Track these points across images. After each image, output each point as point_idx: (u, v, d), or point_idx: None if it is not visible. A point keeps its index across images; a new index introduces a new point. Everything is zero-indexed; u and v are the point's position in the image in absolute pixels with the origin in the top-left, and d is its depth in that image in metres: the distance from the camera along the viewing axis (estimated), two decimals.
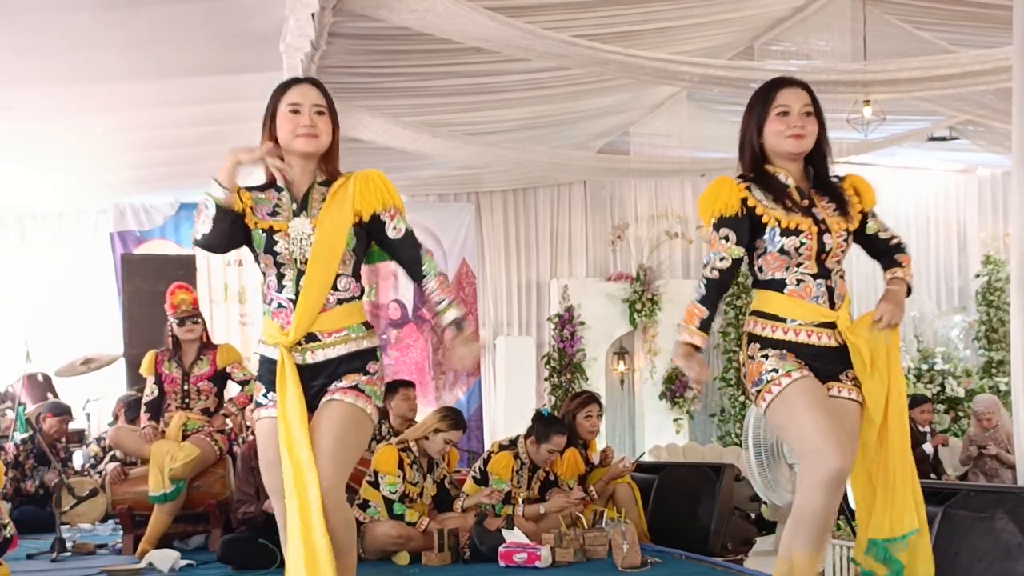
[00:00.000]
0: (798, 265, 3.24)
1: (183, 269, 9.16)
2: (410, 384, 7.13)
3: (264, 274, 3.13)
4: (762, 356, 3.25)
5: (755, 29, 7.88)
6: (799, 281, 3.25)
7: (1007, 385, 10.31)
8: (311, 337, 3.06)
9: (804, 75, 7.26)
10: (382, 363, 3.19)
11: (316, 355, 3.07)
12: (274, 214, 3.10)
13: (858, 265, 3.45)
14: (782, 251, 3.23)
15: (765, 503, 6.62)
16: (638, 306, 11.10)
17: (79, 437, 8.38)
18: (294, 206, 3.10)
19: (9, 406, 8.08)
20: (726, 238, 3.25)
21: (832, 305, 3.26)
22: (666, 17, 7.07)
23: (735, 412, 11.01)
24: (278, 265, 3.08)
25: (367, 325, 3.15)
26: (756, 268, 3.34)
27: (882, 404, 3.25)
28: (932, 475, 8.20)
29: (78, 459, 8.10)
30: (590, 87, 8.11)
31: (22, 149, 7.84)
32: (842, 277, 3.33)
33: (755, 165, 3.32)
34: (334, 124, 3.15)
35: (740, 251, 3.25)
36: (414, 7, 5.44)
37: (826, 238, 3.24)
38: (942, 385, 11.17)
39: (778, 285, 3.28)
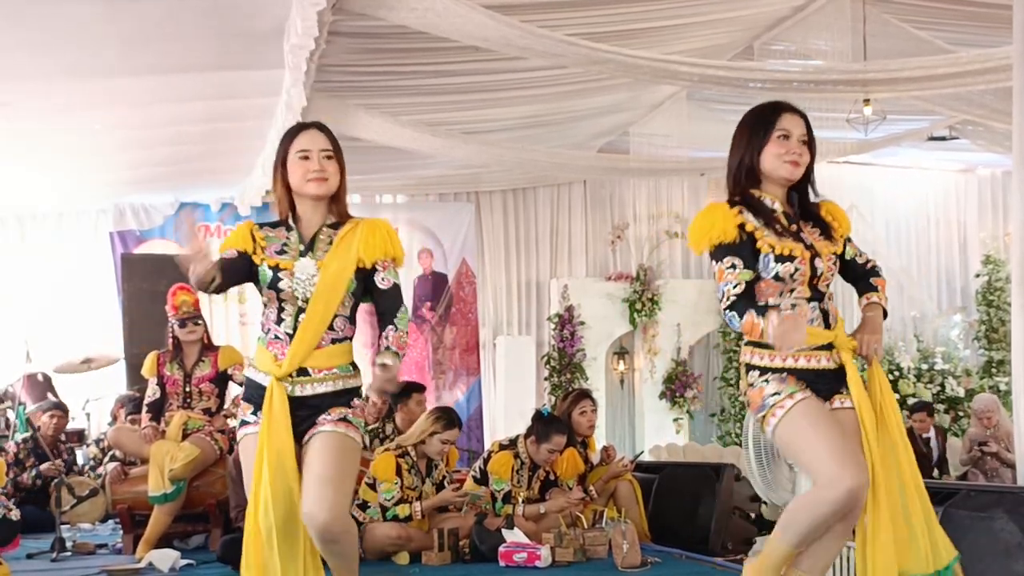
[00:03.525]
0: (791, 291, 3.23)
1: (184, 269, 9.15)
2: (422, 388, 7.11)
3: (265, 305, 3.30)
4: (763, 382, 3.23)
5: (755, 29, 7.88)
6: (793, 306, 3.22)
7: (1007, 385, 10.31)
8: (302, 371, 3.21)
9: (804, 75, 7.28)
10: (364, 399, 3.41)
11: (304, 389, 3.21)
12: (282, 252, 3.27)
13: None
14: (776, 277, 3.20)
15: (765, 503, 6.62)
16: (638, 306, 11.10)
17: (79, 437, 8.38)
18: (301, 247, 3.28)
19: (9, 406, 8.07)
20: (733, 266, 3.19)
21: (827, 326, 3.25)
22: (666, 16, 7.07)
23: (735, 412, 11.01)
24: (280, 300, 3.24)
25: (354, 365, 3.30)
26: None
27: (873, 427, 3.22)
28: (936, 472, 8.21)
29: (80, 458, 8.11)
30: (590, 86, 8.11)
31: (22, 148, 7.83)
32: (831, 299, 3.33)
33: (743, 187, 3.30)
34: (341, 167, 3.31)
35: (749, 274, 3.18)
36: (413, 6, 5.44)
37: (817, 262, 3.24)
38: (942, 385, 11.17)
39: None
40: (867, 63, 7.36)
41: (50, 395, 8.69)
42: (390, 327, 3.26)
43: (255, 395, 3.26)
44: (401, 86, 7.59)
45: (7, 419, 7.94)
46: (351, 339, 3.31)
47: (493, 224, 11.35)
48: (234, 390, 6.26)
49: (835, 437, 3.12)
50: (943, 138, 10.70)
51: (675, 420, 11.07)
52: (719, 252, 3.21)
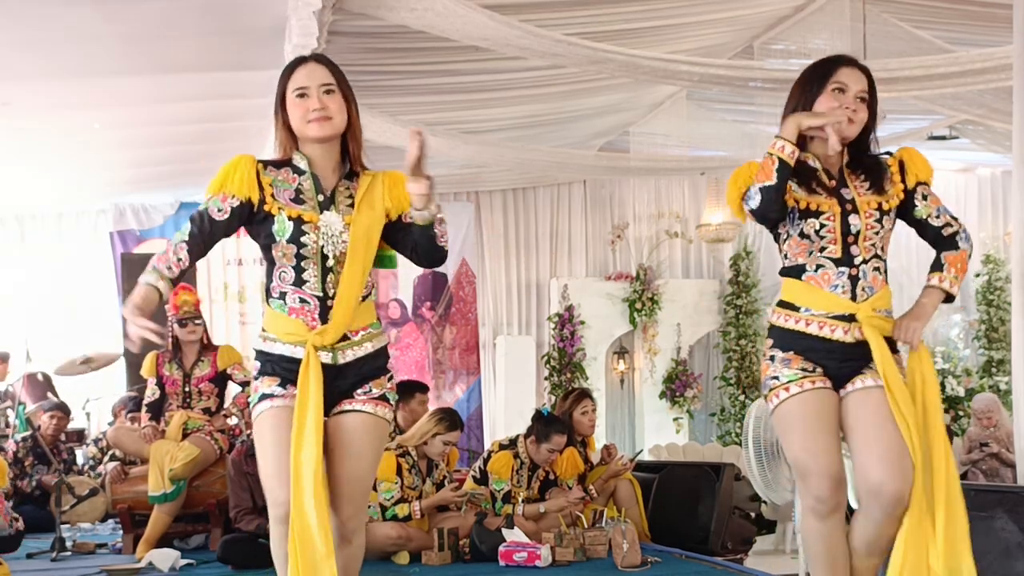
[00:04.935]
0: (821, 250, 3.00)
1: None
2: (425, 388, 7.11)
3: (273, 262, 2.91)
4: (770, 357, 3.08)
5: (755, 28, 7.87)
6: (818, 267, 3.01)
7: (1007, 384, 10.32)
8: (342, 336, 2.92)
9: None
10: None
11: (347, 355, 2.92)
12: (297, 200, 2.90)
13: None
14: (802, 235, 3.01)
15: (765, 502, 6.62)
16: (638, 305, 11.10)
17: (79, 437, 8.38)
18: (320, 197, 2.92)
19: (9, 406, 8.08)
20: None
21: (854, 297, 2.99)
22: (665, 16, 7.06)
23: (735, 411, 11.01)
24: (299, 258, 2.87)
25: (379, 319, 3.07)
26: (782, 255, 3.11)
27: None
28: None
29: (80, 458, 8.11)
30: (589, 86, 8.10)
31: (21, 148, 7.83)
32: (877, 269, 3.03)
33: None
34: (348, 102, 2.95)
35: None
36: (413, 6, 5.43)
37: (852, 219, 2.98)
38: (942, 384, 11.17)
39: (798, 271, 3.05)
40: (867, 63, 7.35)
41: (50, 395, 8.70)
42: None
43: (279, 368, 2.90)
44: (401, 86, 7.58)
45: (7, 419, 7.94)
46: (371, 295, 3.03)
47: (493, 224, 11.34)
48: (233, 390, 6.26)
49: (809, 440, 2.97)
50: (943, 138, 10.69)
51: (675, 420, 11.06)
52: (751, 191, 3.01)
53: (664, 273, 11.44)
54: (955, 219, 3.11)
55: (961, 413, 10.90)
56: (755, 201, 2.99)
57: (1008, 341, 8.99)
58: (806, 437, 3.00)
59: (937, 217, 3.07)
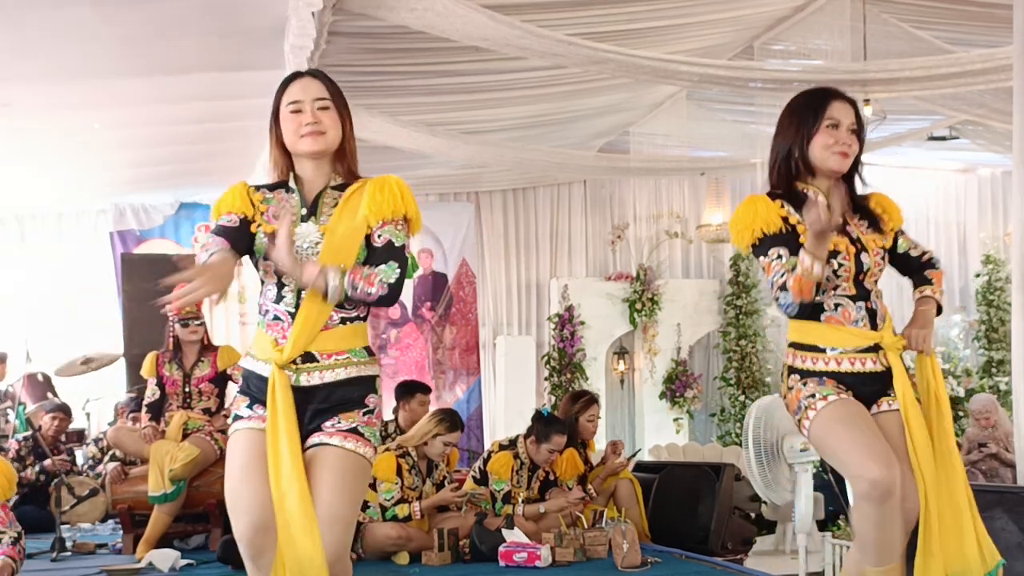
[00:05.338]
0: (835, 288, 3.08)
1: (183, 269, 9.15)
2: (427, 389, 7.10)
3: (263, 282, 2.82)
4: (801, 384, 3.11)
5: (755, 28, 7.87)
6: (837, 306, 3.09)
7: (1007, 385, 10.31)
8: (308, 357, 2.72)
9: (804, 75, 7.27)
10: (381, 397, 2.86)
11: (311, 377, 2.73)
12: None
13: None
14: None
15: (765, 503, 6.61)
16: (638, 306, 11.10)
17: (79, 437, 8.38)
18: (303, 210, 2.80)
19: (9, 406, 8.08)
20: (779, 256, 3.04)
21: (874, 327, 3.10)
22: (666, 16, 7.06)
23: (735, 412, 11.01)
24: (278, 274, 2.75)
25: (369, 351, 2.83)
26: None
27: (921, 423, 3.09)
28: None
29: (80, 458, 8.11)
30: (589, 86, 8.10)
31: (21, 148, 7.83)
32: (880, 297, 3.16)
33: (789, 180, 3.16)
34: (343, 117, 2.85)
35: (795, 261, 2.99)
36: (413, 6, 5.43)
37: (863, 257, 3.09)
38: None
39: (815, 311, 3.08)
40: (867, 63, 7.35)
41: (50, 395, 8.70)
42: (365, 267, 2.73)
43: (253, 387, 2.78)
44: (401, 86, 7.58)
45: (7, 419, 7.95)
46: (364, 319, 2.82)
47: (493, 224, 11.34)
48: (233, 390, 6.26)
49: (863, 434, 3.01)
50: (943, 138, 10.69)
51: (675, 420, 11.06)
52: (764, 244, 3.07)
53: (664, 273, 11.44)
54: (925, 249, 3.35)
55: (961, 413, 10.90)
56: (791, 309, 3.05)
57: (1008, 341, 8.99)
58: (854, 432, 3.02)
59: (915, 248, 3.29)
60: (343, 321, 2.76)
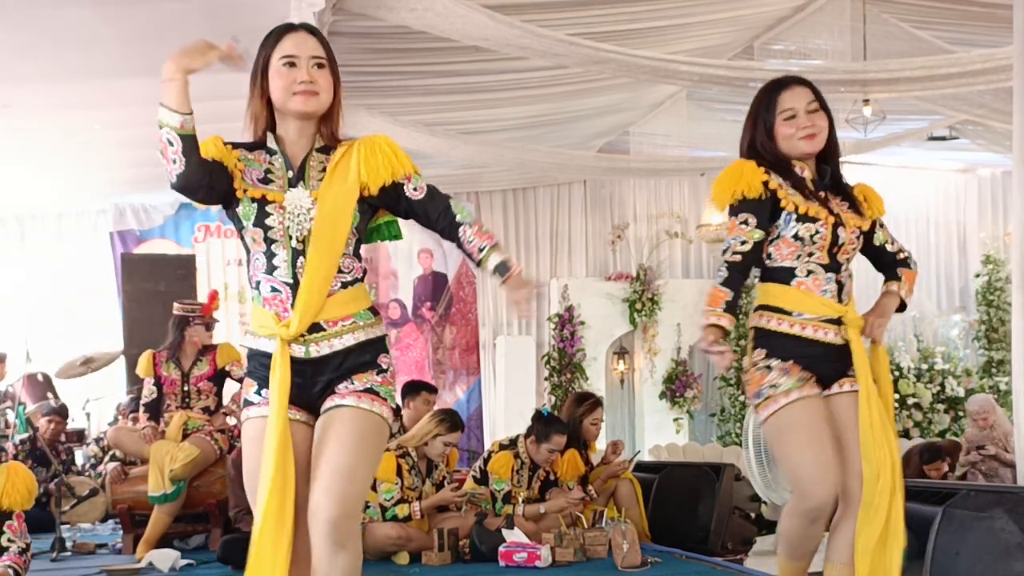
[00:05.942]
0: (810, 255, 3.16)
1: (183, 269, 9.17)
2: (433, 389, 7.10)
3: (249, 251, 2.69)
4: (765, 366, 3.19)
5: (755, 28, 7.88)
6: (809, 272, 3.17)
7: (1007, 385, 10.31)
8: (315, 327, 2.62)
9: (804, 75, 7.27)
10: (391, 356, 2.77)
11: (321, 347, 2.63)
12: (266, 180, 2.67)
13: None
14: (796, 237, 3.15)
15: (765, 503, 6.62)
16: (638, 306, 11.10)
17: (79, 437, 8.38)
18: (290, 174, 2.68)
19: (9, 406, 8.07)
20: (746, 222, 3.15)
21: (840, 301, 3.18)
22: (666, 16, 7.07)
23: (735, 412, 11.01)
24: (268, 242, 2.63)
25: (374, 311, 2.73)
26: (765, 255, 3.24)
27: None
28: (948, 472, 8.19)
29: (79, 459, 8.11)
30: (589, 86, 8.11)
31: (22, 148, 7.84)
32: (851, 277, 3.24)
33: (771, 153, 3.25)
34: (335, 79, 2.72)
35: (760, 234, 3.14)
36: (413, 6, 5.44)
37: (840, 231, 3.16)
38: (942, 385, 11.17)
39: (787, 275, 3.19)
40: (867, 63, 7.36)
41: (50, 395, 8.69)
42: (462, 227, 2.73)
43: (260, 367, 2.66)
44: (401, 86, 7.59)
45: (7, 419, 7.94)
46: (363, 280, 2.73)
47: (493, 224, 11.34)
48: (231, 387, 6.26)
49: (814, 448, 3.09)
50: (943, 138, 10.70)
51: (675, 420, 11.07)
52: (739, 207, 3.17)
53: (664, 273, 11.45)
54: (904, 248, 3.43)
55: (961, 413, 10.91)
56: (717, 277, 3.21)
57: (1008, 341, 8.99)
58: (807, 447, 3.11)
59: (892, 243, 3.36)
60: (343, 286, 2.66)
